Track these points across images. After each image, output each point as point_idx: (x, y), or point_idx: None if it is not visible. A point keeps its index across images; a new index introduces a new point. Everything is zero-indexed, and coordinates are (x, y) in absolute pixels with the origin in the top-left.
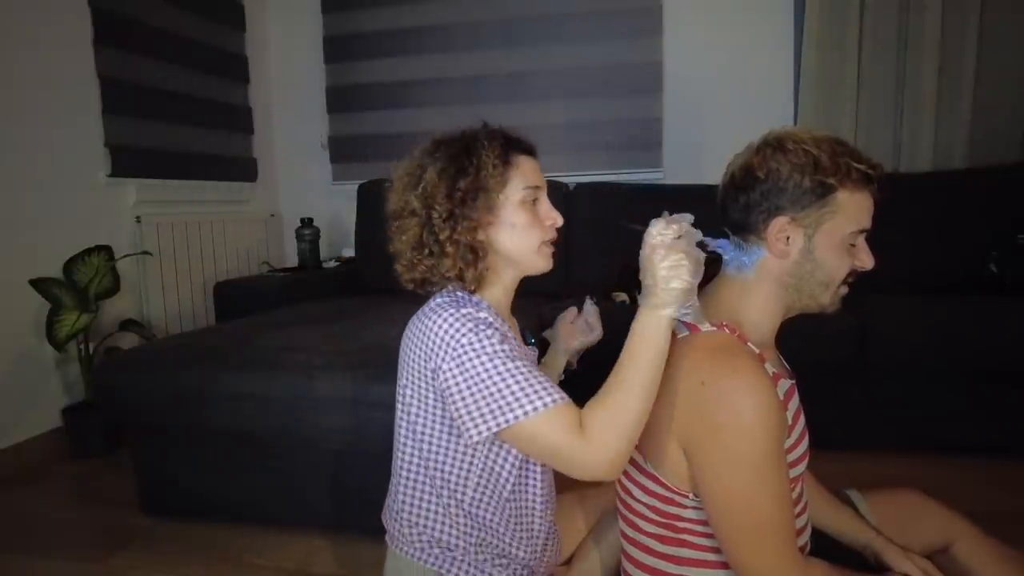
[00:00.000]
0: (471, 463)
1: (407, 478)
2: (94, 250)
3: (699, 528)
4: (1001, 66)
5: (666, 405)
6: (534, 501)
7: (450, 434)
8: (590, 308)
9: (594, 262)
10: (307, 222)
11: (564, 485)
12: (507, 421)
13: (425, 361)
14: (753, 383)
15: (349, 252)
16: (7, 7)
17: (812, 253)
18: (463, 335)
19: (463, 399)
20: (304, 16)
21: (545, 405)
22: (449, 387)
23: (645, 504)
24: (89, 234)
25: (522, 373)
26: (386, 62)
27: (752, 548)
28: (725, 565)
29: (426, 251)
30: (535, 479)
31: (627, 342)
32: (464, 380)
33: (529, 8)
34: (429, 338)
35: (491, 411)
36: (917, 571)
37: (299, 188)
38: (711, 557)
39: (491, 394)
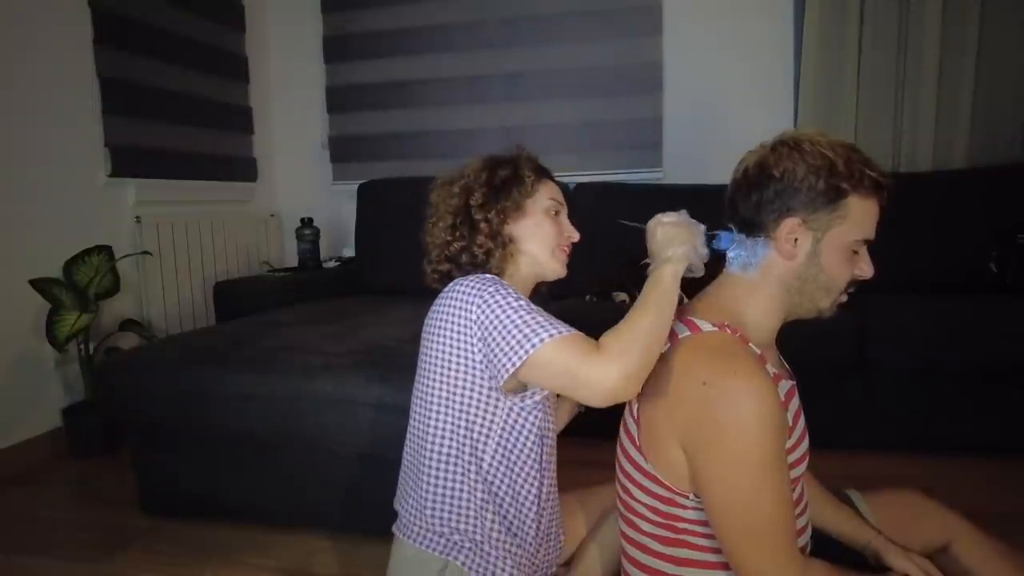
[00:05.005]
0: (492, 420)
1: (432, 441)
2: (94, 250)
3: (699, 528)
4: (1001, 66)
5: (667, 404)
6: (536, 498)
7: (474, 382)
8: None
9: (594, 262)
10: (307, 222)
11: (564, 486)
12: (533, 346)
13: (459, 318)
14: (755, 384)
15: (349, 252)
16: (7, 7)
17: (818, 257)
18: (485, 287)
19: (492, 340)
20: (304, 16)
21: (560, 333)
22: (484, 327)
23: (645, 504)
24: (89, 234)
25: (542, 315)
26: (386, 62)
27: (752, 549)
28: (725, 565)
29: (458, 233)
30: (538, 477)
31: (643, 292)
32: (492, 321)
33: (529, 8)
34: (460, 299)
35: (519, 342)
36: (917, 571)
37: (299, 188)
38: (711, 558)
39: (516, 326)
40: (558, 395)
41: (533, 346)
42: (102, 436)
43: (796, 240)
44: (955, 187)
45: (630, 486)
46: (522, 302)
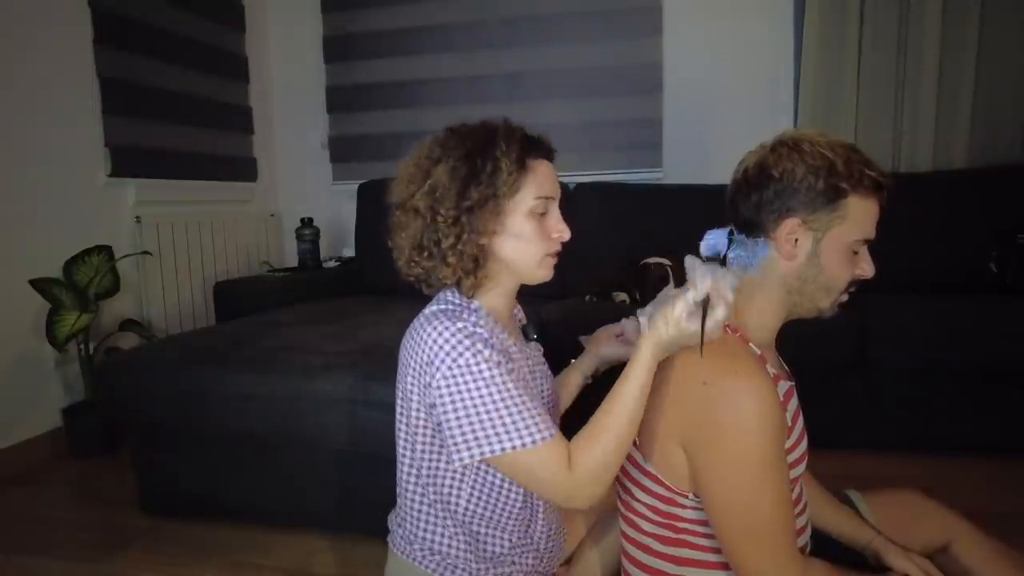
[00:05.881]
0: (462, 476)
1: (405, 487)
2: (94, 250)
3: (699, 528)
4: (1001, 66)
5: (667, 404)
6: (535, 512)
7: (440, 447)
8: (632, 326)
9: (593, 263)
10: (307, 222)
11: None
12: (492, 451)
13: (420, 373)
14: (755, 384)
15: (349, 252)
16: (7, 7)
17: (818, 257)
18: (459, 353)
19: (448, 421)
20: (304, 16)
21: (534, 442)
22: (443, 403)
23: (645, 504)
24: (89, 234)
25: (514, 402)
26: (386, 62)
27: (752, 548)
28: (725, 565)
29: (425, 253)
30: (528, 512)
31: (626, 376)
32: (455, 402)
33: (529, 8)
34: (423, 351)
35: (476, 439)
36: (917, 571)
37: (299, 188)
38: (711, 557)
39: (480, 421)
40: (563, 368)
41: (493, 452)
42: (102, 436)
43: (796, 240)
44: (955, 187)
45: (630, 486)
46: (494, 386)
